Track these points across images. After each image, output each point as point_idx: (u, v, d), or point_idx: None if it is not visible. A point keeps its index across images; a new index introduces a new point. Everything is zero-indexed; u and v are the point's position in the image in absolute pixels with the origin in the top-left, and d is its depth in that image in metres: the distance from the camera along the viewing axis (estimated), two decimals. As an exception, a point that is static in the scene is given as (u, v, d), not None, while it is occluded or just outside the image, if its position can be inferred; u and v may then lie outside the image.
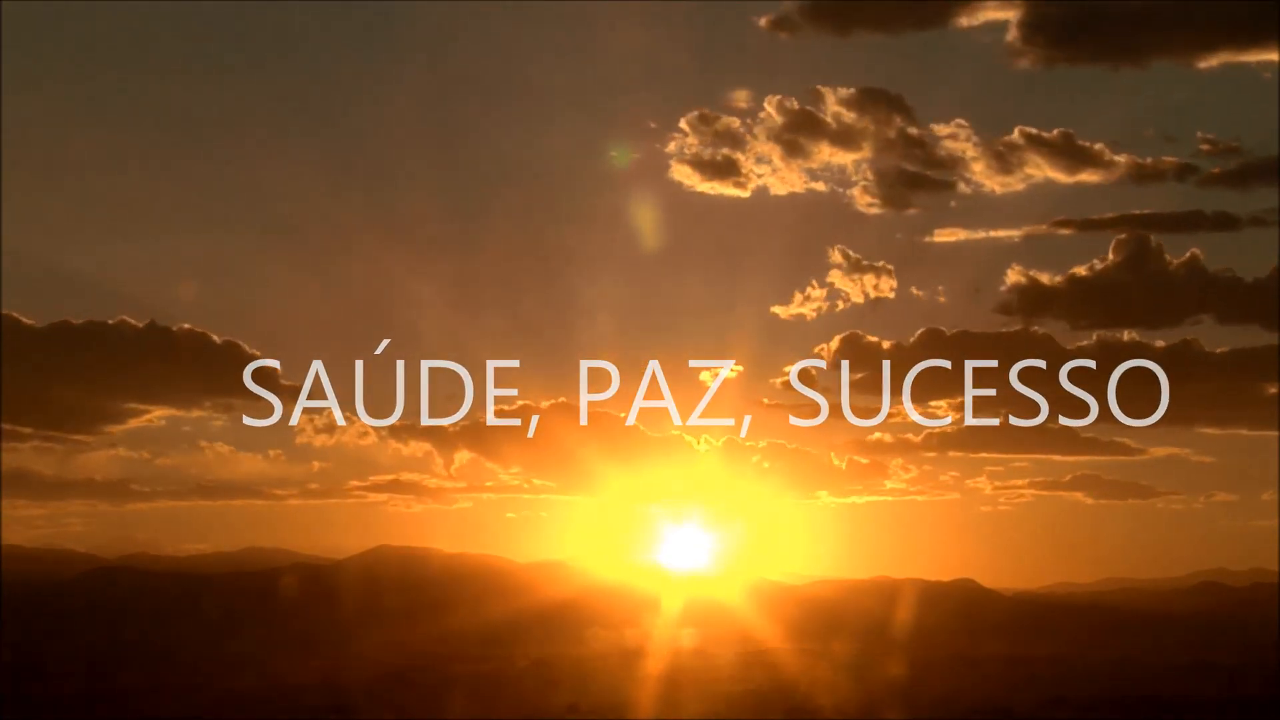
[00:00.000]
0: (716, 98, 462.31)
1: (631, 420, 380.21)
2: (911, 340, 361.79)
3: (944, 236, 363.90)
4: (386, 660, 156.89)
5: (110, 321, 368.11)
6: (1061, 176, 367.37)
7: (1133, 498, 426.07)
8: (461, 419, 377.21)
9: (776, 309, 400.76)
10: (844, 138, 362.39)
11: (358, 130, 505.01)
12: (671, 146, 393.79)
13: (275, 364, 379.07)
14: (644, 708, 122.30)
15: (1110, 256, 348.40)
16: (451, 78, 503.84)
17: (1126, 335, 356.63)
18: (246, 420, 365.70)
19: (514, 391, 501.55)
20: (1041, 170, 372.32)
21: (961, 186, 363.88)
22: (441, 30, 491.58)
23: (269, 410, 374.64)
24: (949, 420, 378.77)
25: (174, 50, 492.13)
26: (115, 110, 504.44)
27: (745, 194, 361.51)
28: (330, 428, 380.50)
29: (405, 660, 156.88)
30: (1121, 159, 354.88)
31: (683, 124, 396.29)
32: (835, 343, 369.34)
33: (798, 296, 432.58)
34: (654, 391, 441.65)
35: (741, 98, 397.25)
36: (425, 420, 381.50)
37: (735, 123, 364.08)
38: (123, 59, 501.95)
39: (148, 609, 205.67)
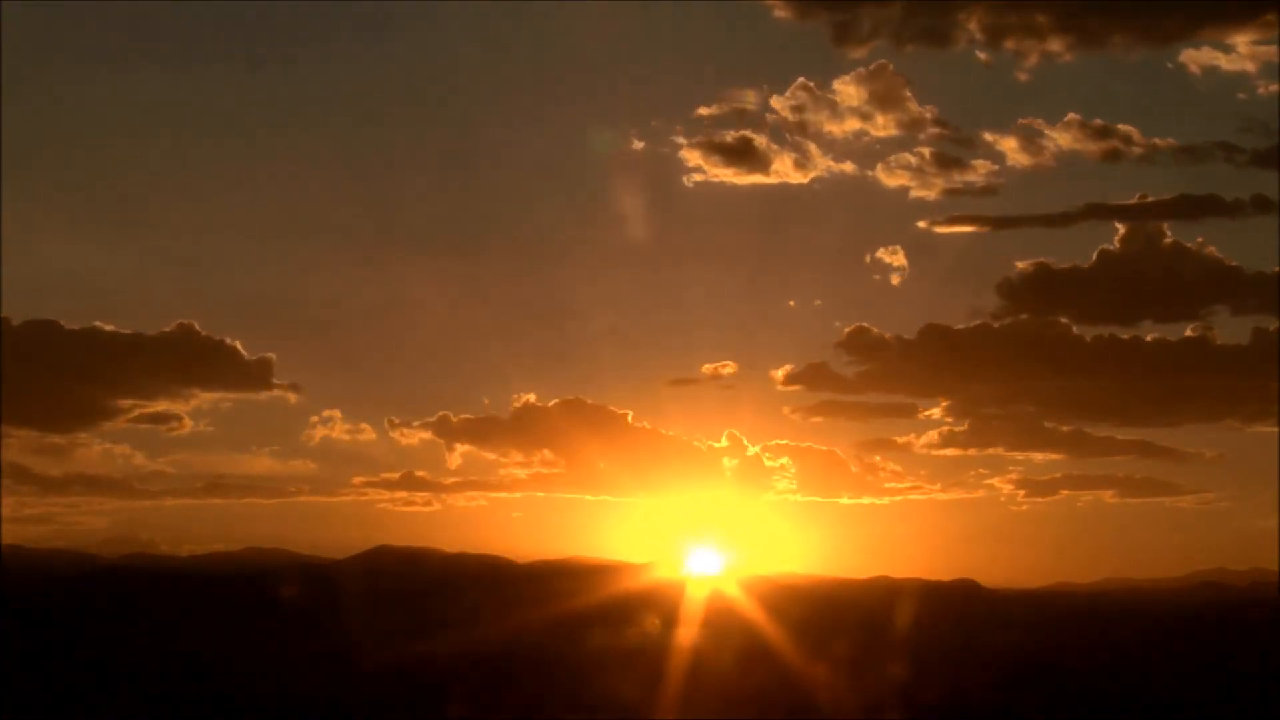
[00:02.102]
0: (728, 88, 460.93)
1: (638, 419, 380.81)
2: (927, 333, 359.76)
3: (966, 224, 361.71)
4: (389, 661, 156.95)
5: (108, 319, 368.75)
6: (1095, 161, 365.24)
7: (1153, 496, 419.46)
8: (465, 417, 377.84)
9: (789, 303, 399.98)
10: (862, 123, 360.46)
11: (361, 126, 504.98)
12: (683, 138, 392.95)
13: (273, 356, 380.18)
14: (644, 707, 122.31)
15: (1123, 244, 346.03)
16: (453, 75, 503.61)
17: (1140, 327, 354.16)
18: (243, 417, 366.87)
19: (519, 389, 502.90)
20: (1073, 155, 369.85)
21: (991, 170, 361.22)
22: (440, 29, 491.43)
23: (269, 407, 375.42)
24: (957, 418, 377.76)
25: (173, 50, 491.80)
26: (114, 109, 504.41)
27: (766, 179, 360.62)
28: (332, 425, 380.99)
29: (408, 661, 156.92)
30: (1158, 142, 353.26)
31: (695, 114, 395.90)
32: (844, 337, 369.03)
33: (811, 290, 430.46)
34: (662, 388, 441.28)
35: (754, 85, 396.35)
36: (428, 418, 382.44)
37: (748, 109, 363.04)
38: (122, 59, 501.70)
39: (149, 610, 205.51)
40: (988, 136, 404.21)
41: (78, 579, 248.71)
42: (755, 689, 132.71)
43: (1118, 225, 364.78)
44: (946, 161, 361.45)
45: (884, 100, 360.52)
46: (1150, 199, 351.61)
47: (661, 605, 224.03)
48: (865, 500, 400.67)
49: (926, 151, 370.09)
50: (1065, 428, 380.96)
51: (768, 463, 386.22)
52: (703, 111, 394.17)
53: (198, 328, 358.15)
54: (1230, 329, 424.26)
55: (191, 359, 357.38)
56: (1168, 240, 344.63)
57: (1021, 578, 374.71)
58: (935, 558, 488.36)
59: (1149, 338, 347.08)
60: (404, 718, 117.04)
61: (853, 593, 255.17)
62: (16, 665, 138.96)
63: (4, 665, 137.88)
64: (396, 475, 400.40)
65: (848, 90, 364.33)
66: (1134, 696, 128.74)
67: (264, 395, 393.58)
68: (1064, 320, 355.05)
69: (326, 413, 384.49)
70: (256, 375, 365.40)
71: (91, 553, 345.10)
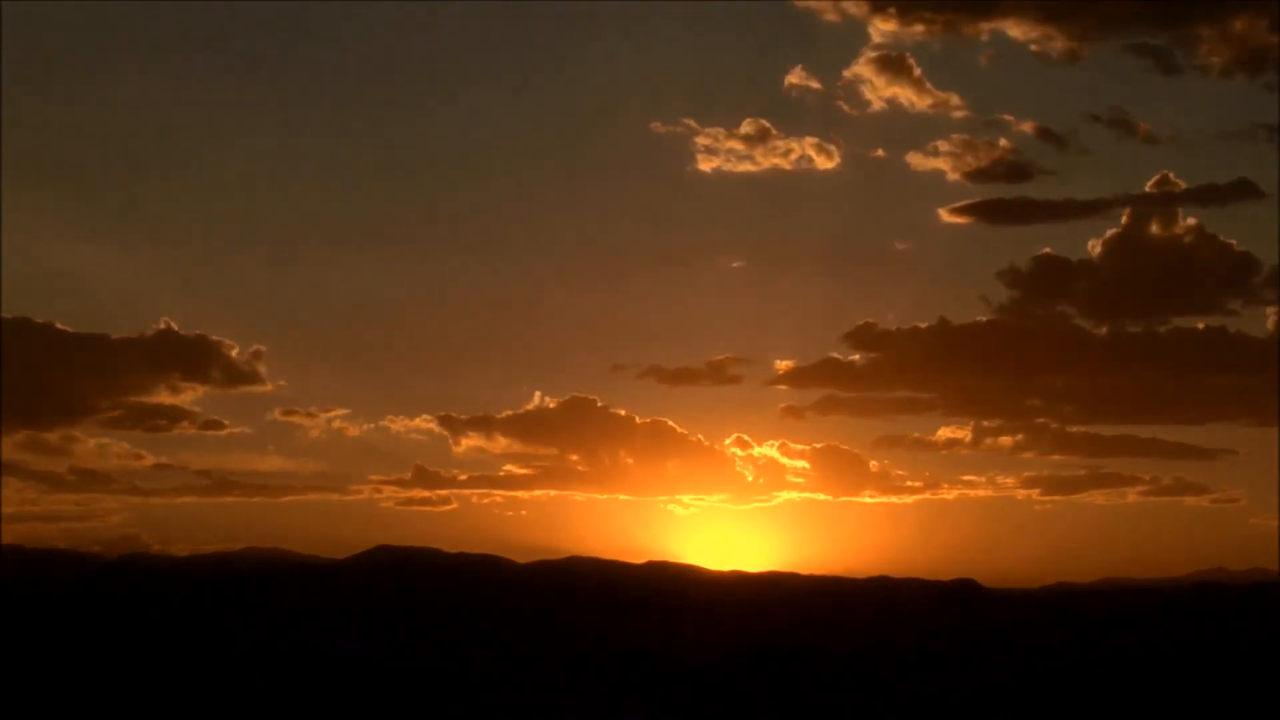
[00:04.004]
0: (745, 72, 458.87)
1: (644, 416, 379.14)
2: (937, 328, 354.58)
3: (988, 214, 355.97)
4: (388, 661, 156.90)
5: (105, 317, 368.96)
6: (1134, 151, 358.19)
7: (1176, 496, 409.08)
8: (469, 415, 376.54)
9: (800, 299, 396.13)
10: (883, 110, 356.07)
11: (367, 125, 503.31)
12: (697, 123, 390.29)
13: (266, 351, 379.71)
14: (645, 706, 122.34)
15: (1132, 233, 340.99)
16: (458, 72, 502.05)
17: (1154, 319, 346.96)
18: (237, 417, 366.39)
19: (523, 387, 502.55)
20: (1108, 147, 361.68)
21: (1019, 156, 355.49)
22: (444, 27, 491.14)
23: (271, 406, 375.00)
24: (968, 415, 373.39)
25: (168, 50, 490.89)
26: (111, 110, 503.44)
27: (784, 165, 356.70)
28: (333, 424, 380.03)
29: (407, 661, 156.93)
30: (1192, 126, 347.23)
31: (709, 100, 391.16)
32: (853, 330, 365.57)
33: (822, 282, 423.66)
34: (666, 385, 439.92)
35: (771, 69, 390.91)
36: (431, 417, 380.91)
37: (765, 94, 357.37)
38: (119, 60, 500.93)
39: (149, 610, 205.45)
40: (1021, 124, 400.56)
41: (78, 579, 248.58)
42: (758, 687, 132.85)
43: (1140, 214, 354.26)
44: (971, 148, 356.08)
45: (907, 85, 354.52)
46: (1184, 185, 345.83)
47: (663, 605, 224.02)
48: (867, 499, 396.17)
49: (951, 138, 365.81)
50: (1080, 425, 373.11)
51: (781, 460, 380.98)
52: (717, 98, 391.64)
53: (199, 327, 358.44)
54: (1243, 320, 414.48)
55: (192, 358, 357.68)
56: (1179, 228, 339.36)
57: (1022, 578, 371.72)
58: (935, 557, 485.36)
59: (1161, 330, 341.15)
60: (404, 717, 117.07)
61: (853, 592, 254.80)
62: (17, 665, 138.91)
63: (4, 665, 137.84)
64: (397, 475, 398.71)
65: (868, 74, 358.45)
66: (1134, 696, 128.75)
67: (266, 394, 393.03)
68: (1074, 313, 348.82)
69: (328, 412, 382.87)
70: (258, 374, 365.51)
71: (92, 553, 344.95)
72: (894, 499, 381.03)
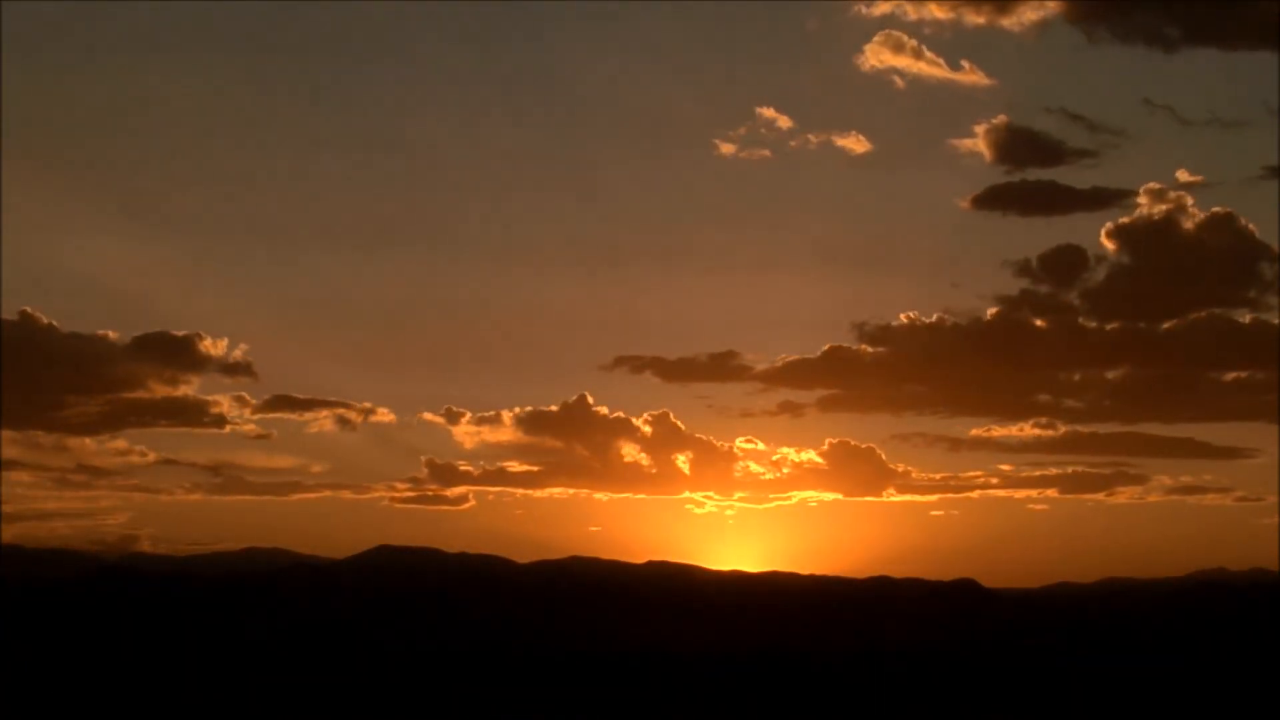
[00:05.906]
0: (761, 68, 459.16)
1: (646, 412, 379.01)
2: (953, 323, 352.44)
3: (1011, 207, 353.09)
4: (391, 663, 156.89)
5: (108, 317, 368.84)
6: (1167, 132, 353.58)
7: (1192, 495, 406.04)
8: (473, 415, 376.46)
9: (804, 292, 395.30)
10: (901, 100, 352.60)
11: (376, 127, 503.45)
12: (708, 119, 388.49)
13: (263, 345, 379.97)
14: (644, 707, 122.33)
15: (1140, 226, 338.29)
16: (454, 72, 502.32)
17: (1170, 313, 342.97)
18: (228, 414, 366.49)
19: (526, 383, 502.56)
20: (1141, 128, 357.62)
21: (1048, 147, 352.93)
22: (435, 29, 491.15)
23: (269, 404, 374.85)
24: (979, 415, 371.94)
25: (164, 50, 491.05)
26: (110, 110, 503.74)
27: (796, 156, 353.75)
28: (335, 423, 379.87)
29: (411, 662, 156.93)
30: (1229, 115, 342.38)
31: (721, 93, 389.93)
32: (859, 326, 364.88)
33: (830, 278, 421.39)
34: (669, 385, 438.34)
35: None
36: (435, 415, 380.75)
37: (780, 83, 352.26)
38: (120, 61, 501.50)
39: (149, 610, 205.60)
40: (1052, 107, 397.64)
41: (78, 579, 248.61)
42: (758, 687, 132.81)
43: (1159, 203, 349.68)
44: (1000, 132, 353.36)
45: (931, 67, 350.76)
46: (1204, 178, 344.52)
47: (663, 605, 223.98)
48: (891, 498, 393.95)
49: (979, 121, 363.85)
50: (1095, 423, 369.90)
51: (795, 457, 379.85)
52: (729, 86, 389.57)
53: (200, 325, 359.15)
54: (1263, 311, 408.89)
55: (193, 355, 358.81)
56: (1197, 218, 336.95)
57: (1022, 578, 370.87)
58: (946, 557, 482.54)
59: (1166, 324, 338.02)
60: (404, 716, 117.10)
61: (853, 592, 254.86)
62: (17, 665, 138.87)
63: (4, 665, 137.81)
64: (411, 473, 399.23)
65: (889, 58, 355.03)
66: (1134, 696, 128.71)
67: (266, 392, 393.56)
68: (1083, 305, 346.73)
69: (329, 409, 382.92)
70: (259, 371, 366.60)
71: (91, 552, 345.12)
72: (916, 498, 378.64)
